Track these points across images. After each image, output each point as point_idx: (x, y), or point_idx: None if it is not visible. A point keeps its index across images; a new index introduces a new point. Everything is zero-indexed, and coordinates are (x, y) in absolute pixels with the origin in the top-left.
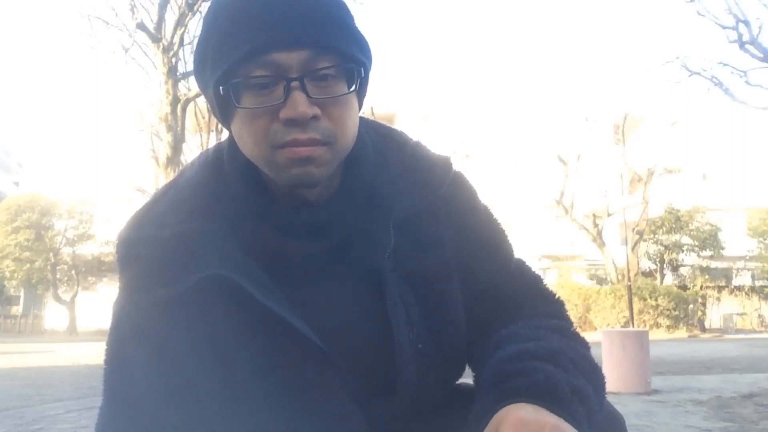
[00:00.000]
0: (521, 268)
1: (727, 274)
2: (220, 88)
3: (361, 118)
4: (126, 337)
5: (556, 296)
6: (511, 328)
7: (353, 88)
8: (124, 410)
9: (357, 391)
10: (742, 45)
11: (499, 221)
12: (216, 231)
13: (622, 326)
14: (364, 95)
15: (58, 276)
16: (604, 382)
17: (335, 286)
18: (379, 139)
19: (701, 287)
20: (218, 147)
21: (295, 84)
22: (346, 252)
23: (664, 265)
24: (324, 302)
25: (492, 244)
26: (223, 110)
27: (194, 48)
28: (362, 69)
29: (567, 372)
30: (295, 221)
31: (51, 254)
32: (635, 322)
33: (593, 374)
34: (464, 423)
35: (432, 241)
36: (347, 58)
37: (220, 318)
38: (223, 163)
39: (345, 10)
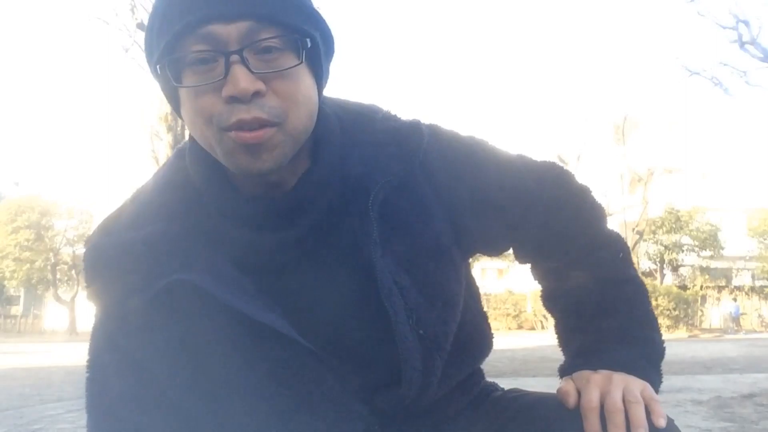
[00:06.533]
0: (535, 178)
1: (727, 274)
2: (157, 67)
3: (329, 98)
4: (99, 346)
5: (582, 187)
6: (574, 275)
7: (300, 60)
8: (101, 420)
9: (360, 386)
10: (742, 45)
11: (485, 146)
12: (180, 232)
13: None
14: (325, 75)
15: (58, 276)
16: (648, 297)
17: (322, 278)
18: (348, 117)
19: (701, 287)
20: (184, 144)
21: (234, 58)
22: (327, 241)
23: (664, 265)
24: (311, 296)
25: (492, 183)
26: (168, 93)
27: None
28: (308, 40)
29: (638, 344)
30: (260, 211)
31: (51, 254)
32: None
33: (642, 309)
34: (472, 416)
35: (417, 216)
36: (292, 29)
37: (190, 322)
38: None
39: None
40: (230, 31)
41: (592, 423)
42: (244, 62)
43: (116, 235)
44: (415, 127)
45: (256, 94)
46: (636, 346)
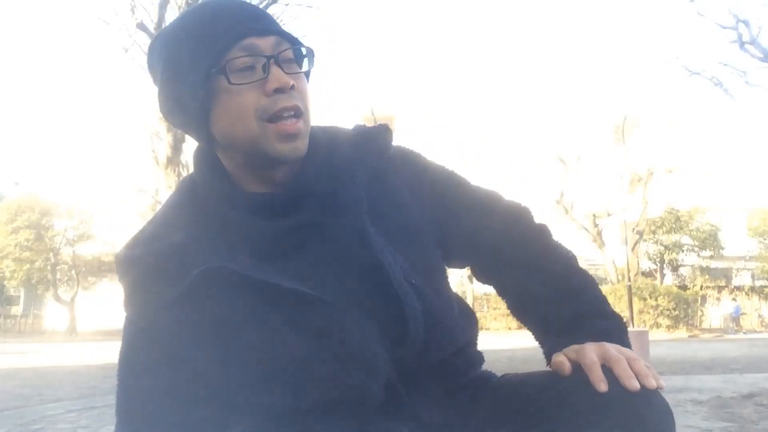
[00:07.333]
0: (487, 194)
1: (727, 274)
2: (213, 70)
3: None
4: (131, 348)
5: (521, 206)
6: (536, 275)
7: (311, 66)
8: (132, 420)
9: (377, 339)
10: (742, 45)
11: (450, 169)
12: (200, 234)
13: None
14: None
15: (58, 276)
16: (593, 280)
17: (326, 254)
18: (328, 132)
19: (701, 287)
20: (188, 174)
21: (272, 61)
22: (326, 222)
23: (664, 265)
24: (318, 271)
25: (455, 188)
26: (206, 100)
27: (160, 70)
28: (312, 50)
29: (610, 318)
30: (269, 203)
31: (51, 254)
32: (635, 322)
33: (589, 284)
34: (473, 398)
35: (395, 200)
36: (299, 44)
37: (223, 304)
38: (195, 178)
39: None
40: (265, 43)
41: (597, 373)
42: (279, 65)
43: (141, 246)
44: (384, 127)
45: (292, 87)
46: (609, 319)
